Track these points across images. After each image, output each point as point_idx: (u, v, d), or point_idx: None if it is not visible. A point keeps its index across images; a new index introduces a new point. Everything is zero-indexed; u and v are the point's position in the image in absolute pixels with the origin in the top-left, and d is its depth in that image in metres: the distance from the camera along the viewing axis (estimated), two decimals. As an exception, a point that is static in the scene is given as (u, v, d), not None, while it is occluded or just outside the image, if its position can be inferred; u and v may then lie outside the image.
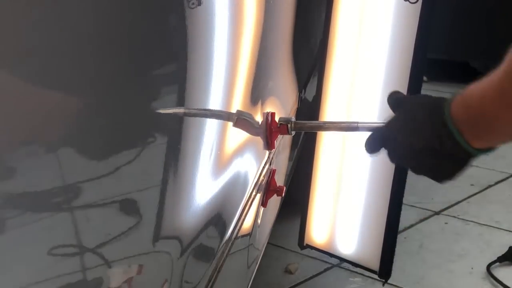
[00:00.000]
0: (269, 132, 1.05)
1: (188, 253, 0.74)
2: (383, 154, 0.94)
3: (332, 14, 1.63)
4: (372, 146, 0.95)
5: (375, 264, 1.69)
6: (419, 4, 1.46)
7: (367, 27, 1.58)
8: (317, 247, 1.81)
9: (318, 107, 1.70)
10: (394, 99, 0.94)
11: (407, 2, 1.48)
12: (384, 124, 0.93)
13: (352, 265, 1.76)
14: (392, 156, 0.94)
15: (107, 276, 0.55)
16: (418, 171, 0.92)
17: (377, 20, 1.55)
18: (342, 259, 1.77)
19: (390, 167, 1.59)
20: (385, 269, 1.68)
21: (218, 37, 0.80)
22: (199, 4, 0.70)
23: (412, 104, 0.90)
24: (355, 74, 1.61)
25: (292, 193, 1.68)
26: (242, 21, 0.92)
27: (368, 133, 0.95)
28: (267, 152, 1.16)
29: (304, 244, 1.83)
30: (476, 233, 2.36)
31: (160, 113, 0.64)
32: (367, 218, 1.68)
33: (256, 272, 1.24)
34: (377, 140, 0.94)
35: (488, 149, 0.83)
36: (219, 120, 0.85)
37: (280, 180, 1.36)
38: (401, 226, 2.13)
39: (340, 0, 1.62)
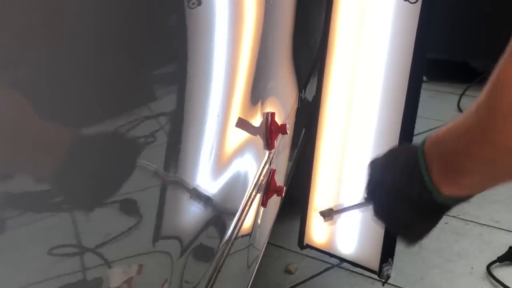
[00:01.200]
0: (269, 132, 1.05)
1: (188, 253, 0.74)
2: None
3: (332, 14, 1.63)
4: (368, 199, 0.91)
5: (375, 264, 1.69)
6: (419, 4, 1.46)
7: (367, 27, 1.58)
8: (317, 247, 1.81)
9: (318, 107, 1.70)
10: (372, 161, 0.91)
11: (407, 2, 1.48)
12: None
13: (352, 265, 1.76)
14: (376, 210, 0.89)
15: (107, 276, 0.55)
16: (391, 225, 0.87)
17: (377, 20, 1.55)
18: (342, 259, 1.77)
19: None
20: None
21: (218, 37, 0.80)
22: (199, 4, 0.70)
23: (390, 151, 0.88)
24: (355, 74, 1.61)
25: (292, 193, 1.68)
26: (242, 21, 0.92)
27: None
28: (267, 152, 1.16)
29: (304, 244, 1.83)
30: (476, 233, 2.36)
31: (160, 113, 0.64)
32: (367, 218, 1.68)
33: (256, 272, 1.24)
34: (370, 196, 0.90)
35: (458, 199, 0.78)
36: (219, 120, 0.85)
37: (280, 180, 1.36)
38: (401, 226, 2.12)
39: (340, 0, 1.62)
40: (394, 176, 0.82)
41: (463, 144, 0.72)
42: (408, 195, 0.79)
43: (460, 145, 0.73)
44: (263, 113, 1.08)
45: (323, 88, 1.68)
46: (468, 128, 0.72)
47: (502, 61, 0.68)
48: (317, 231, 1.80)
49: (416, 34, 1.48)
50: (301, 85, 1.69)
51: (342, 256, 1.76)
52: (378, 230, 1.65)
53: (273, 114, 1.06)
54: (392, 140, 1.55)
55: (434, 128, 3.28)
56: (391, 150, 0.88)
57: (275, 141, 1.11)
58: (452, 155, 0.74)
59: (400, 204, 0.81)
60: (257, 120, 1.04)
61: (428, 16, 1.46)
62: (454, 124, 0.75)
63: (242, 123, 0.96)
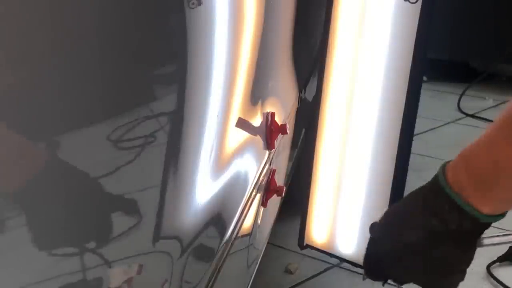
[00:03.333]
0: (269, 132, 1.05)
1: (188, 253, 0.74)
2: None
3: (332, 14, 1.63)
4: (373, 273, 0.82)
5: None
6: (419, 4, 1.46)
7: (367, 27, 1.58)
8: (317, 247, 1.81)
9: (318, 107, 1.70)
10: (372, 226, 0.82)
11: (407, 2, 1.48)
12: (370, 239, 0.80)
13: (352, 265, 1.76)
14: (388, 273, 0.78)
15: (107, 276, 0.55)
16: (420, 278, 0.74)
17: (377, 20, 1.55)
18: (342, 259, 1.77)
19: (390, 167, 1.59)
20: (385, 269, 1.68)
21: (218, 37, 0.80)
22: (199, 4, 0.70)
23: (389, 210, 0.79)
24: (355, 74, 1.61)
25: (292, 193, 1.68)
26: (242, 21, 0.92)
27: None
28: (267, 152, 1.16)
29: (304, 244, 1.82)
30: (476, 233, 2.36)
31: (160, 113, 0.64)
32: (367, 218, 1.68)
33: (256, 272, 1.24)
34: (373, 262, 0.80)
35: (497, 215, 0.71)
36: (219, 120, 0.85)
37: (280, 180, 1.36)
38: (401, 226, 2.12)
39: (340, 0, 1.62)
40: (412, 207, 0.72)
41: (496, 158, 0.66)
42: (434, 225, 0.70)
43: (492, 159, 0.66)
44: (263, 113, 1.08)
45: (323, 88, 1.68)
46: (500, 141, 0.66)
47: None
48: (317, 231, 1.79)
49: (416, 34, 1.48)
50: (301, 85, 1.69)
51: (342, 256, 1.76)
52: (378, 230, 1.65)
53: (273, 114, 1.06)
54: (392, 140, 1.55)
55: (434, 128, 3.28)
56: (389, 211, 0.77)
57: (275, 141, 1.11)
58: (485, 173, 0.68)
59: (433, 254, 0.71)
60: (257, 120, 1.04)
61: (428, 16, 1.46)
62: (479, 142, 0.69)
63: (242, 123, 0.96)
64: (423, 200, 0.71)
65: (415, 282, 0.77)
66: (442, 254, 0.70)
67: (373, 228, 0.81)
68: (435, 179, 0.71)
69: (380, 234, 0.78)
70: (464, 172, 0.69)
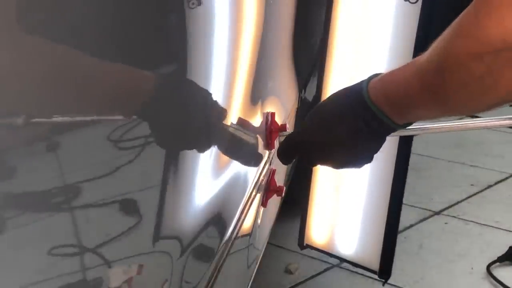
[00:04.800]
0: (269, 132, 1.05)
1: (188, 253, 0.74)
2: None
3: (332, 14, 1.63)
4: (286, 155, 0.97)
5: (375, 264, 1.69)
6: (419, 4, 1.46)
7: (367, 27, 1.58)
8: (317, 247, 1.81)
9: (318, 107, 1.69)
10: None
11: (407, 2, 1.48)
12: (295, 129, 0.95)
13: (352, 265, 1.76)
14: (308, 159, 0.95)
15: (107, 276, 0.55)
16: (339, 163, 0.93)
17: (377, 20, 1.55)
18: (342, 259, 1.77)
19: (390, 167, 1.59)
20: (385, 269, 1.68)
21: (218, 37, 0.80)
22: (199, 4, 0.70)
23: (320, 103, 0.94)
24: (355, 74, 1.61)
25: (293, 193, 1.68)
26: (242, 21, 0.92)
27: None
28: (267, 152, 1.16)
29: (304, 244, 1.83)
30: (476, 233, 2.36)
31: (160, 113, 0.64)
32: (367, 218, 1.69)
33: (256, 272, 1.24)
34: (291, 146, 0.96)
35: (407, 123, 0.87)
36: (219, 120, 0.85)
37: (280, 180, 1.36)
38: (401, 226, 2.13)
39: (340, 0, 1.62)
40: (341, 109, 0.89)
41: (409, 92, 0.80)
42: (358, 127, 0.87)
43: (405, 93, 0.81)
44: (263, 113, 1.08)
45: (323, 88, 1.68)
46: (421, 72, 0.79)
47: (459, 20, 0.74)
48: (317, 231, 1.80)
49: (416, 34, 1.48)
50: (301, 85, 1.69)
51: (342, 256, 1.76)
52: (378, 230, 1.65)
53: (273, 114, 1.06)
54: (392, 140, 1.55)
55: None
56: (320, 107, 0.95)
57: (275, 141, 1.11)
58: (404, 105, 0.83)
59: (353, 146, 0.89)
60: (257, 120, 1.04)
61: (428, 16, 1.46)
62: (402, 75, 0.83)
63: (242, 123, 0.96)
64: (349, 105, 0.87)
65: (327, 165, 0.96)
66: (362, 146, 0.89)
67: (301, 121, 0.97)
68: (360, 90, 0.87)
69: (312, 125, 0.92)
70: (383, 95, 0.84)
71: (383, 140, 0.90)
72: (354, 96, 0.87)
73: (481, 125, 1.04)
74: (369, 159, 0.92)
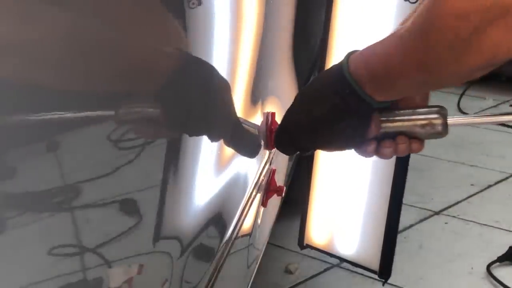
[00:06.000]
0: (269, 132, 1.05)
1: (188, 253, 0.74)
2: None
3: (332, 13, 1.63)
4: (280, 142, 0.95)
5: (375, 264, 1.69)
6: (419, 4, 1.46)
7: (367, 27, 1.58)
8: (317, 247, 1.81)
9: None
10: None
11: (407, 2, 1.48)
12: (284, 116, 0.93)
13: (352, 265, 1.76)
14: (299, 143, 0.93)
15: (107, 276, 0.55)
16: (325, 146, 0.92)
17: (378, 20, 1.55)
18: (342, 259, 1.77)
19: (390, 167, 1.59)
20: (385, 269, 1.68)
21: (218, 37, 0.80)
22: (199, 4, 0.70)
23: (302, 89, 0.92)
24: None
25: (292, 193, 1.68)
26: (242, 21, 0.92)
27: None
28: (267, 152, 1.16)
29: (304, 244, 1.82)
30: (476, 233, 2.36)
31: (161, 113, 0.64)
32: (367, 219, 1.68)
33: (256, 272, 1.24)
34: (281, 131, 0.94)
35: (386, 101, 0.85)
36: (220, 120, 0.85)
37: (280, 180, 1.36)
38: (401, 226, 2.13)
39: (340, 0, 1.62)
40: (321, 88, 0.87)
41: (400, 66, 0.79)
42: (337, 104, 0.85)
43: (396, 67, 0.79)
44: (264, 113, 1.08)
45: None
46: (402, 39, 0.78)
47: None
48: (317, 231, 1.79)
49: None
50: (301, 85, 1.69)
51: (342, 256, 1.76)
52: (378, 230, 1.65)
53: (273, 114, 1.06)
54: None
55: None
56: (301, 92, 0.93)
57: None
58: (387, 76, 0.81)
59: (334, 127, 0.87)
60: (257, 120, 1.04)
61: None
62: (384, 45, 0.81)
63: (242, 123, 0.95)
64: (329, 83, 0.85)
65: (319, 149, 0.95)
66: (343, 127, 0.86)
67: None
68: (340, 67, 0.84)
69: (294, 109, 0.91)
70: (363, 68, 0.82)
71: (367, 121, 0.86)
72: (334, 73, 0.85)
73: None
74: (357, 140, 0.89)
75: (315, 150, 0.97)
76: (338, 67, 0.85)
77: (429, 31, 0.74)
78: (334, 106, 0.85)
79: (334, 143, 0.91)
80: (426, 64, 0.77)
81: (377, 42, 0.83)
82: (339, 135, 0.88)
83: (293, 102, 0.92)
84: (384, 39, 0.82)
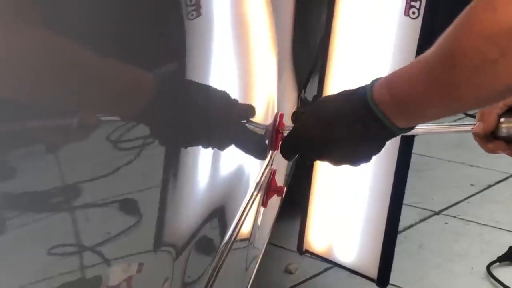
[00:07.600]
0: (275, 132, 1.05)
1: (188, 253, 0.74)
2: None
3: (333, 20, 1.63)
4: (288, 151, 0.97)
5: (373, 271, 1.69)
6: (420, 19, 1.47)
7: (368, 31, 1.58)
8: (316, 253, 1.81)
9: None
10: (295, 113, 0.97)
11: (408, 17, 1.49)
12: (295, 126, 0.94)
13: (351, 272, 1.77)
14: (307, 155, 0.96)
15: (107, 275, 0.55)
16: (337, 162, 0.93)
17: (379, 34, 1.56)
18: (341, 266, 1.77)
19: (390, 173, 1.59)
20: (383, 278, 1.68)
21: (219, 37, 0.80)
22: (203, 7, 0.70)
23: (321, 101, 0.94)
24: (355, 78, 1.61)
25: (292, 194, 1.68)
26: (243, 21, 0.92)
27: None
28: (270, 152, 1.16)
29: (303, 250, 1.83)
30: (476, 233, 2.36)
31: (161, 113, 0.64)
32: (366, 225, 1.69)
33: (256, 272, 1.24)
34: (292, 143, 0.95)
35: (407, 128, 0.86)
36: (221, 121, 0.85)
37: (280, 180, 1.36)
38: (401, 226, 2.12)
39: (340, 3, 1.62)
40: (342, 111, 0.87)
41: (424, 93, 0.79)
42: (362, 136, 0.86)
43: (420, 94, 0.79)
44: (274, 114, 1.08)
45: (323, 88, 1.68)
46: (427, 66, 0.78)
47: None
48: (317, 237, 1.80)
49: (417, 48, 1.49)
50: (301, 85, 1.69)
51: (341, 263, 1.76)
52: (377, 238, 1.65)
53: (281, 115, 1.06)
54: (392, 142, 1.55)
55: (434, 128, 3.28)
56: (319, 104, 0.94)
57: (279, 142, 1.10)
58: (411, 103, 0.81)
59: (352, 147, 0.88)
60: (262, 121, 1.04)
61: (429, 31, 1.47)
62: (408, 71, 0.82)
63: (246, 124, 0.95)
64: (353, 107, 0.85)
65: (326, 161, 0.94)
66: (361, 149, 0.88)
67: (298, 116, 0.95)
68: (363, 91, 0.85)
69: (311, 125, 0.91)
70: (387, 95, 0.82)
71: (383, 144, 0.88)
72: (357, 97, 0.85)
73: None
74: (367, 159, 0.91)
75: (322, 161, 0.97)
76: (361, 92, 0.85)
77: (455, 56, 0.73)
78: (354, 130, 0.85)
79: (344, 161, 0.92)
80: (450, 89, 0.76)
81: (400, 69, 0.83)
82: (352, 155, 0.90)
83: (308, 116, 0.92)
84: (408, 65, 0.82)
